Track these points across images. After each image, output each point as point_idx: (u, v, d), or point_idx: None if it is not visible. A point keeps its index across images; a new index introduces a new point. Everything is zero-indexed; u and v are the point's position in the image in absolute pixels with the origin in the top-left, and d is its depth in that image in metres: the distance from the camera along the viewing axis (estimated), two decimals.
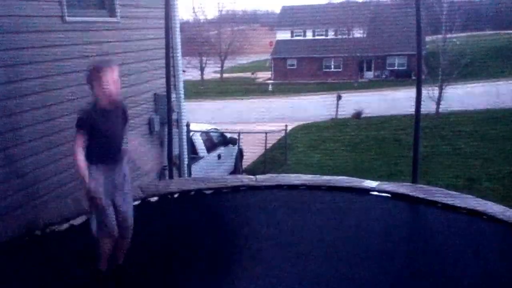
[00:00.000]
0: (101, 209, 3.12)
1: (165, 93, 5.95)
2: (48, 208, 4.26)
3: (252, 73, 47.33)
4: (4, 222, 3.86)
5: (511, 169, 11.81)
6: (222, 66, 47.46)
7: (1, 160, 3.90)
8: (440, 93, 20.83)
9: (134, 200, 4.58)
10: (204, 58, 44.45)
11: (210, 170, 9.62)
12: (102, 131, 3.15)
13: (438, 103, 20.67)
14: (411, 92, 5.22)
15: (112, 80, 3.09)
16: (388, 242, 3.73)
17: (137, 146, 3.57)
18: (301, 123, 21.80)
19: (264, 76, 46.13)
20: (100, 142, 3.16)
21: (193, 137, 9.12)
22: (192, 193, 4.84)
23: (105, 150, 3.20)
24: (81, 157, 3.07)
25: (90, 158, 3.13)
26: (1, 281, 3.19)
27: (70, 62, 4.58)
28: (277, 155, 14.97)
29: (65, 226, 4.00)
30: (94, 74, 3.11)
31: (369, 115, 23.15)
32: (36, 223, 3.96)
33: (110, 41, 5.25)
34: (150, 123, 6.12)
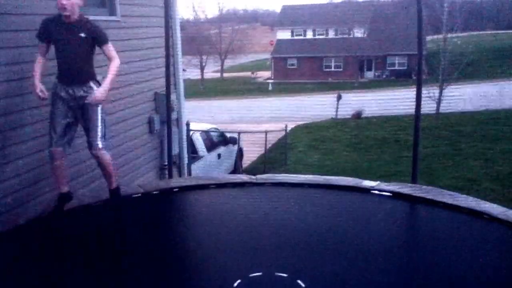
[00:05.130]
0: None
1: (165, 92, 5.94)
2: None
3: (252, 73, 47.39)
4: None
5: (511, 170, 11.82)
6: (222, 65, 47.51)
7: (1, 158, 3.90)
8: (441, 93, 20.84)
9: (133, 197, 4.59)
10: (204, 57, 44.49)
11: (210, 169, 9.63)
12: (56, 45, 3.36)
13: (438, 103, 20.69)
14: (411, 92, 5.22)
15: None
16: (387, 242, 3.73)
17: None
18: (301, 122, 21.82)
19: (264, 75, 46.18)
20: (58, 57, 3.37)
21: (193, 137, 9.13)
22: (192, 191, 4.84)
23: (62, 67, 3.38)
24: (36, 65, 3.43)
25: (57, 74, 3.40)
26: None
27: None
28: (277, 155, 14.98)
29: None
30: None
31: (369, 115, 23.18)
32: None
33: (110, 40, 5.23)
34: (150, 122, 6.11)
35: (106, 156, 3.41)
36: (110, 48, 3.52)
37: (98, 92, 3.37)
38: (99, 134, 3.39)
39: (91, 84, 3.42)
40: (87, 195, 4.55)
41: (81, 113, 3.43)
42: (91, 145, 3.43)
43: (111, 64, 3.49)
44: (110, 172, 3.43)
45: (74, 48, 3.33)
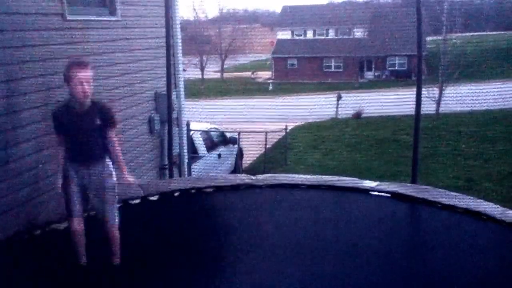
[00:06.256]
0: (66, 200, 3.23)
1: (165, 92, 5.95)
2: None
3: (253, 73, 47.33)
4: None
5: (511, 170, 11.80)
6: (222, 65, 47.46)
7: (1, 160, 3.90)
8: (440, 93, 20.82)
9: (134, 199, 4.59)
10: (204, 57, 44.47)
11: (210, 169, 9.62)
12: (70, 131, 3.18)
13: (438, 104, 20.67)
14: (411, 92, 5.22)
15: (82, 80, 3.07)
16: (387, 242, 3.74)
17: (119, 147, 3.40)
18: (301, 122, 21.78)
19: (264, 75, 46.15)
20: (71, 142, 3.20)
21: (193, 136, 9.12)
22: (192, 191, 4.84)
23: (76, 150, 3.22)
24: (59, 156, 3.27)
25: (67, 155, 3.23)
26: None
27: None
28: (277, 155, 14.96)
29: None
30: (67, 72, 3.14)
31: (369, 115, 23.14)
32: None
33: (111, 40, 5.24)
34: (150, 122, 6.12)
35: (118, 233, 3.31)
36: (113, 132, 3.34)
37: (128, 177, 3.27)
38: (116, 212, 3.28)
39: (107, 160, 3.27)
40: None
41: (96, 192, 3.26)
42: (106, 222, 3.26)
43: (115, 146, 3.31)
44: (117, 248, 3.31)
45: (91, 135, 3.18)
